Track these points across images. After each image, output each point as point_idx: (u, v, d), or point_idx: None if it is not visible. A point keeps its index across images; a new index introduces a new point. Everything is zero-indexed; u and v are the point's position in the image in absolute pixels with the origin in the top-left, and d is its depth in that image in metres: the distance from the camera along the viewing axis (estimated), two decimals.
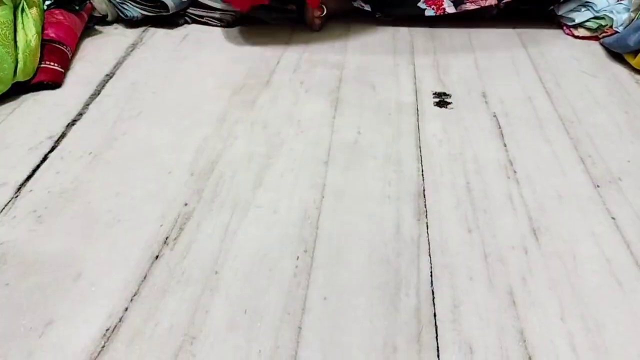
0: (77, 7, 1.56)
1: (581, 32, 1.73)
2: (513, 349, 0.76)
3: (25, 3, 1.36)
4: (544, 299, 0.83)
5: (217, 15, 1.78)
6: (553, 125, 1.27)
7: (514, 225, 0.97)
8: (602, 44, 1.67)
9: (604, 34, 1.69)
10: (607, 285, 0.85)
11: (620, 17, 1.64)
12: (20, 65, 1.28)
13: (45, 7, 1.50)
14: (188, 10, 1.79)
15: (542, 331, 0.78)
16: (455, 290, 0.84)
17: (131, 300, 0.82)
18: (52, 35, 1.43)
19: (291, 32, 1.70)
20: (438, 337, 0.77)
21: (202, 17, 1.79)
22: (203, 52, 1.50)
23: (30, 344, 0.75)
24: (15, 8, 1.33)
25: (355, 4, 1.74)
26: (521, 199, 1.03)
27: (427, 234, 0.95)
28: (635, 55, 1.50)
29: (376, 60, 1.54)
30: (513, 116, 1.30)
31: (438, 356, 0.75)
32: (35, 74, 1.34)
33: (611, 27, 1.67)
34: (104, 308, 0.80)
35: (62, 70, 1.42)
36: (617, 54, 1.60)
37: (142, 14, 1.72)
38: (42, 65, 1.37)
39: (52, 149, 1.15)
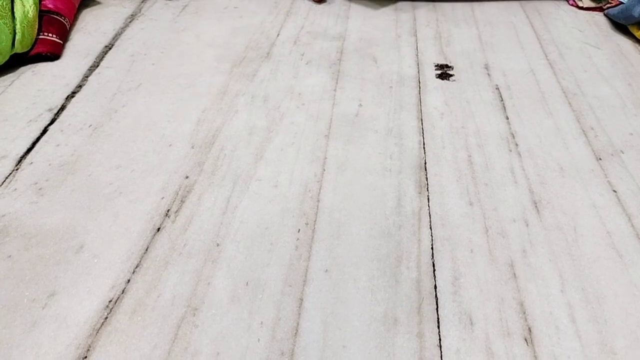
0: None
1: (585, 3, 1.71)
2: (513, 321, 0.76)
3: None
4: (544, 271, 0.83)
5: None
6: (556, 97, 1.26)
7: (515, 198, 0.97)
8: (606, 15, 1.65)
9: (609, 5, 1.67)
10: (608, 258, 0.86)
11: None
12: (18, 36, 1.26)
13: None
14: None
15: (542, 303, 0.78)
16: (456, 262, 0.85)
17: (133, 272, 0.82)
18: (50, 6, 1.41)
19: (291, 3, 1.68)
20: (438, 309, 0.78)
21: None
22: (202, 23, 1.48)
23: (33, 315, 0.76)
24: None
25: None
26: (523, 172, 1.03)
27: (428, 207, 0.95)
28: None
29: (378, 32, 1.53)
30: (515, 89, 1.29)
31: (438, 327, 0.76)
32: (33, 46, 1.33)
33: None
34: (106, 280, 0.81)
35: (61, 42, 1.40)
36: (621, 26, 1.58)
37: None
38: (41, 37, 1.35)
39: (52, 121, 1.14)
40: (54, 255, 0.84)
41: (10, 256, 0.84)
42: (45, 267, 0.82)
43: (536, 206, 0.95)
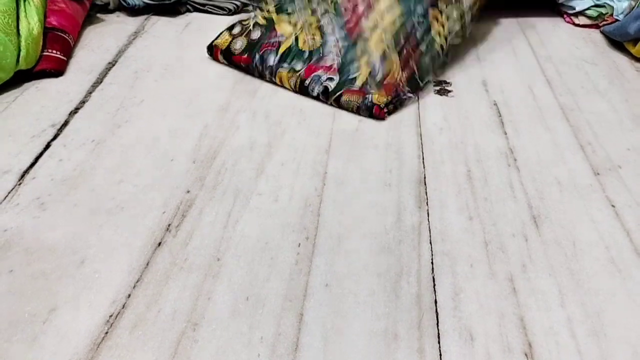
0: None
1: (582, 20, 1.73)
2: (513, 336, 0.76)
3: None
4: (543, 286, 0.83)
5: (218, 3, 1.78)
6: (553, 113, 1.27)
7: (514, 212, 0.97)
8: (602, 32, 1.67)
9: (604, 22, 1.69)
10: (607, 272, 0.86)
11: (621, 5, 1.64)
12: (22, 53, 1.28)
13: None
14: None
15: (542, 318, 0.79)
16: (456, 277, 0.85)
17: (134, 286, 0.83)
18: (55, 23, 1.43)
19: None
20: (439, 324, 0.78)
21: (204, 5, 1.79)
22: (205, 40, 1.50)
23: (34, 330, 0.76)
24: None
25: None
26: (521, 187, 1.03)
27: (428, 221, 0.95)
28: (636, 44, 1.50)
29: None
30: (513, 104, 1.30)
31: (439, 343, 0.76)
32: (37, 62, 1.34)
33: (611, 15, 1.67)
34: (107, 294, 0.81)
35: (65, 58, 1.42)
36: (617, 42, 1.59)
37: (144, 2, 1.71)
38: (45, 53, 1.37)
39: (55, 136, 1.15)
40: (55, 270, 0.85)
41: (12, 271, 0.84)
42: (47, 282, 0.83)
43: (535, 221, 0.96)
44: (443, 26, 1.33)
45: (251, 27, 1.41)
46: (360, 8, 1.33)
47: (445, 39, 1.34)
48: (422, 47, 1.27)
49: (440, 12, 1.31)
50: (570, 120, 1.24)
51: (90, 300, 0.80)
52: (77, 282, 0.83)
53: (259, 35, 1.38)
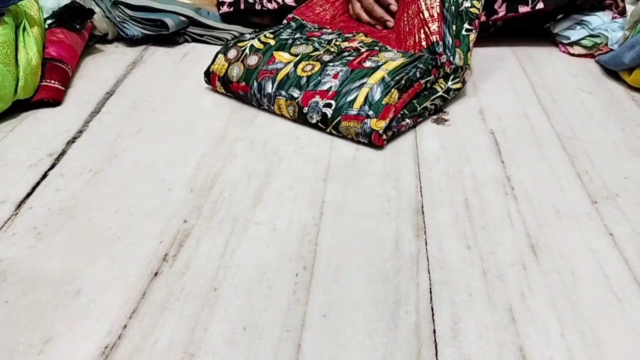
0: (78, 26, 1.57)
1: (577, 49, 1.75)
2: None
3: (26, 22, 1.37)
4: (543, 315, 0.83)
5: (216, 34, 1.80)
6: (550, 141, 1.28)
7: (512, 241, 0.97)
8: (597, 62, 1.69)
9: (599, 52, 1.71)
10: (606, 301, 0.85)
11: (615, 35, 1.66)
12: (21, 83, 1.28)
13: (46, 26, 1.51)
14: (188, 29, 1.81)
15: (541, 347, 0.78)
16: (455, 306, 0.84)
17: (130, 317, 0.82)
18: (53, 53, 1.44)
19: None
20: (438, 354, 0.77)
21: (202, 35, 1.81)
22: (203, 70, 1.51)
23: None
24: (17, 27, 1.34)
25: None
26: (519, 216, 1.03)
27: (426, 250, 0.95)
28: (631, 73, 1.52)
29: None
30: (510, 133, 1.31)
31: None
32: (36, 92, 1.35)
33: (606, 45, 1.69)
34: (103, 325, 0.80)
35: (63, 88, 1.42)
36: (612, 72, 1.61)
37: (142, 32, 1.73)
38: (43, 83, 1.38)
39: (52, 166, 1.15)
40: (51, 300, 0.84)
41: (7, 301, 0.83)
42: (42, 313, 0.82)
43: (533, 249, 0.95)
44: (445, 80, 1.36)
45: (247, 52, 1.41)
46: (365, 54, 1.35)
47: (448, 90, 1.36)
48: (422, 83, 1.28)
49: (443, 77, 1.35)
50: (567, 149, 1.25)
51: (85, 331, 0.79)
52: (72, 312, 0.82)
53: (256, 61, 1.38)
